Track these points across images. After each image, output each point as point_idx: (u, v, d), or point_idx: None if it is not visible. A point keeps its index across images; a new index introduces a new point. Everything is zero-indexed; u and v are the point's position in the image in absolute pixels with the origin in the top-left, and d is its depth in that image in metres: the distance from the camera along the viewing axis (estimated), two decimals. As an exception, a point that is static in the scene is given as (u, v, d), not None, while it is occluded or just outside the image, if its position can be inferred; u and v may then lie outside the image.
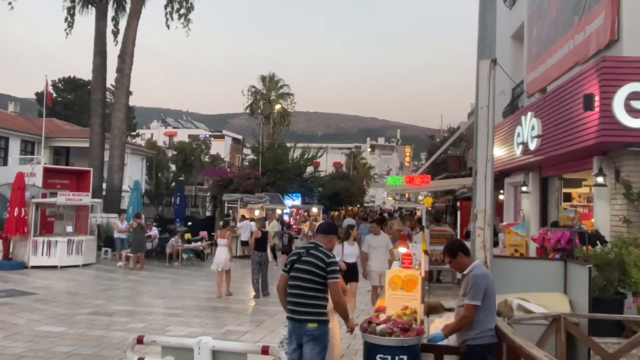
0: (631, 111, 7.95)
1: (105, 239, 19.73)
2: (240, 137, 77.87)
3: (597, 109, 8.18)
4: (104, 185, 24.26)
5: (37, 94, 47.46)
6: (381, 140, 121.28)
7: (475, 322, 4.61)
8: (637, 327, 5.91)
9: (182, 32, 27.36)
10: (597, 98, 8.19)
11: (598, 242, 8.04)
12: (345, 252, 9.90)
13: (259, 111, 47.03)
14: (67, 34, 27.24)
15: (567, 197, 11.94)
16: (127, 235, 18.17)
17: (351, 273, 9.90)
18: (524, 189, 13.13)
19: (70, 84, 50.30)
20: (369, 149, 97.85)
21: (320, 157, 38.80)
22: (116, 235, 18.59)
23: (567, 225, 10.24)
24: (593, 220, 9.63)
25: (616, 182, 8.55)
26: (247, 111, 48.81)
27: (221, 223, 14.41)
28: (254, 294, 12.66)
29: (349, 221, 23.84)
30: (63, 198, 17.01)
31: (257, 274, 12.57)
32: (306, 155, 35.19)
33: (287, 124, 50.17)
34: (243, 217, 22.26)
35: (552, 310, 5.90)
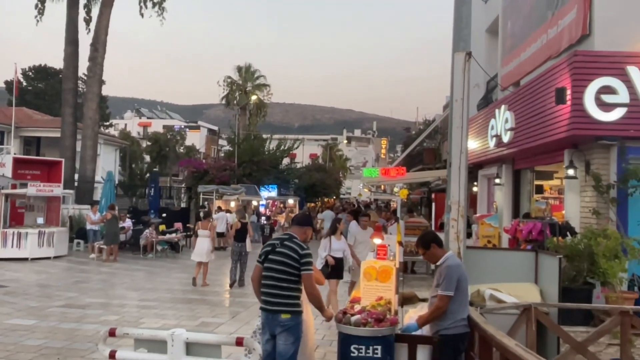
0: (601, 105, 8.11)
1: (78, 231, 19.43)
2: (215, 128, 77.12)
3: (568, 103, 8.32)
4: (76, 176, 23.86)
5: (6, 82, 46.29)
6: (357, 132, 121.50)
7: (449, 312, 4.67)
8: (605, 316, 6.06)
9: (157, 21, 26.96)
10: (568, 92, 8.32)
11: (568, 233, 8.21)
12: (333, 247, 9.49)
13: (235, 102, 46.68)
14: (38, 21, 26.58)
15: (539, 189, 12.15)
16: (100, 226, 17.92)
17: (339, 269, 9.57)
18: (497, 181, 13.31)
19: (41, 73, 49.20)
20: (345, 141, 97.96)
21: (296, 148, 38.73)
22: (89, 226, 18.32)
23: (538, 216, 10.45)
24: (564, 211, 9.82)
25: (586, 175, 8.72)
26: (223, 102, 48.41)
27: (201, 214, 14.36)
28: (229, 282, 12.72)
29: (329, 214, 23.91)
30: (34, 189, 16.68)
31: (235, 263, 12.68)
32: (282, 147, 35.10)
33: (264, 115, 49.92)
34: (219, 209, 22.15)
35: (523, 300, 6.01)
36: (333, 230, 9.75)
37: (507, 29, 13.19)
